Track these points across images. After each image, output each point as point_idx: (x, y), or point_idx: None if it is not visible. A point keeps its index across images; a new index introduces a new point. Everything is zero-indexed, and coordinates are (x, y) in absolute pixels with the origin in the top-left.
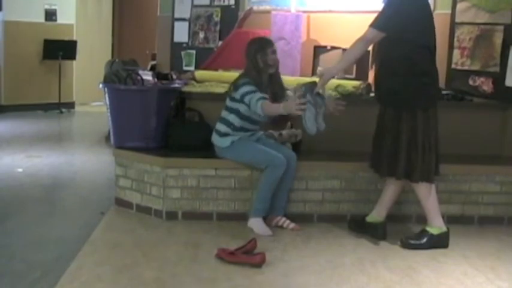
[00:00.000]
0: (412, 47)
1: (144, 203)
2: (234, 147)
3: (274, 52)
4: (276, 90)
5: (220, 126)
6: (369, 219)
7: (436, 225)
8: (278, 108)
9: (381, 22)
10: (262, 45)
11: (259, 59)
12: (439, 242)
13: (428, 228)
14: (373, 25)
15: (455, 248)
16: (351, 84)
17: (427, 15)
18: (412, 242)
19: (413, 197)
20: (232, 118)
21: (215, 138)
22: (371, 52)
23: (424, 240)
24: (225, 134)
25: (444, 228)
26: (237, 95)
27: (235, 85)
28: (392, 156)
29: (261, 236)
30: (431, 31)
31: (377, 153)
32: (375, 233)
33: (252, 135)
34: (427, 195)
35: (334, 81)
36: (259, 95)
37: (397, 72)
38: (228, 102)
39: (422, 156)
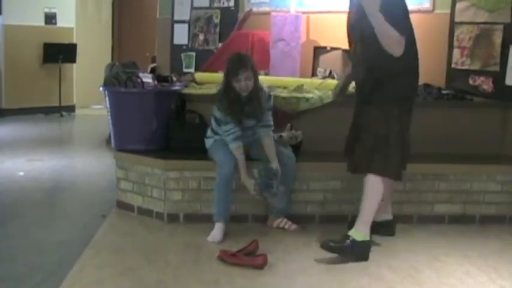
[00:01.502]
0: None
1: (145, 206)
2: (210, 148)
3: (247, 78)
4: (253, 110)
5: (208, 130)
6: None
7: (362, 231)
8: (240, 166)
9: (401, 28)
10: (236, 69)
11: (231, 81)
12: (360, 251)
13: (351, 233)
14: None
15: (457, 247)
16: (351, 85)
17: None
18: (333, 244)
19: (414, 197)
20: (212, 122)
21: (205, 141)
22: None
23: (346, 244)
24: (208, 137)
25: (368, 238)
26: (213, 111)
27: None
28: (369, 152)
29: (260, 238)
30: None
31: (355, 153)
32: (384, 230)
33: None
34: (374, 191)
35: (335, 82)
36: (231, 135)
37: (389, 69)
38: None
39: (388, 150)
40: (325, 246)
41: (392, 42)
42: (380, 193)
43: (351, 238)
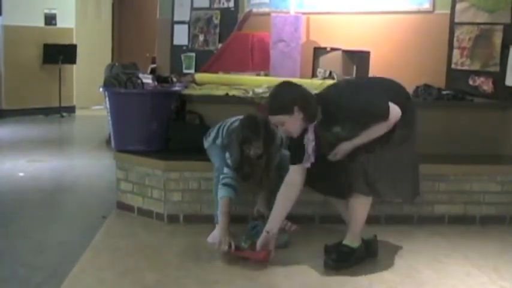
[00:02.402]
0: None
1: (145, 207)
2: (208, 149)
3: (257, 147)
4: (261, 170)
5: (208, 132)
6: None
7: (356, 240)
8: (223, 223)
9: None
10: (250, 138)
11: (244, 148)
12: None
13: (346, 242)
14: (387, 116)
15: (458, 248)
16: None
17: None
18: (333, 263)
19: None
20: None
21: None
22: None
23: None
24: (207, 138)
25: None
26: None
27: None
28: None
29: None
30: None
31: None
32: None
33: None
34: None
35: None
36: (227, 179)
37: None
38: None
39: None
40: (328, 266)
41: (384, 130)
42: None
43: (346, 248)
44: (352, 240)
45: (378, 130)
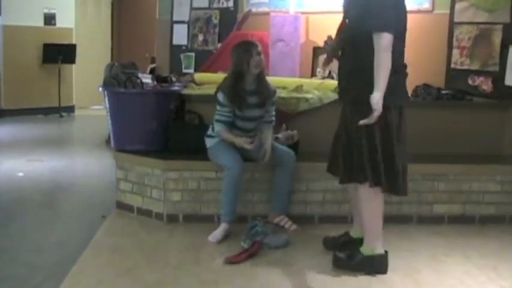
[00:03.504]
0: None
1: (145, 206)
2: (212, 148)
3: (259, 53)
4: (261, 90)
5: (210, 128)
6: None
7: (369, 246)
8: (231, 139)
9: (385, 22)
10: (248, 48)
11: (243, 62)
12: (372, 265)
13: (361, 248)
14: (381, 28)
15: (457, 247)
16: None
17: None
18: (341, 263)
19: (414, 198)
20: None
21: (205, 139)
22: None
23: (356, 260)
24: (209, 136)
25: (378, 251)
26: (217, 97)
27: (217, 87)
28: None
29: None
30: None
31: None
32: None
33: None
34: (370, 212)
35: (334, 83)
36: (221, 116)
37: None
38: None
39: (374, 158)
40: (335, 263)
41: (384, 58)
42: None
43: (360, 255)
44: (365, 247)
45: (378, 57)
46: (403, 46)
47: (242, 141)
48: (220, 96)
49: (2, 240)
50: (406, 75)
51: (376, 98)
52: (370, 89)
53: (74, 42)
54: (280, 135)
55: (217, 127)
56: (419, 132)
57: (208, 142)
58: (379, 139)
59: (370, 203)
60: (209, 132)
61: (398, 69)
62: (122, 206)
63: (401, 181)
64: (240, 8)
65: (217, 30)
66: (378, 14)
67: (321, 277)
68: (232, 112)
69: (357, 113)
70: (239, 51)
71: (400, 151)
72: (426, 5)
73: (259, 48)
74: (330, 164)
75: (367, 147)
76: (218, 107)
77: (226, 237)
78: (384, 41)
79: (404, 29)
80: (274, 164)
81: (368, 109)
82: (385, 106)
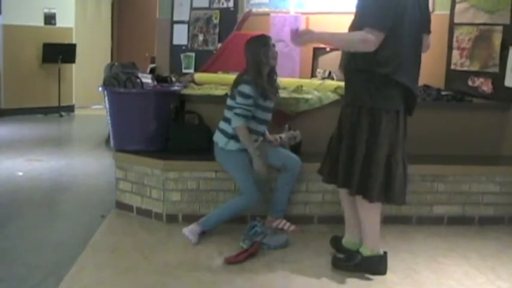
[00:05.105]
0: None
1: (144, 206)
2: (229, 153)
3: (274, 45)
4: (273, 82)
5: (227, 127)
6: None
7: (368, 247)
8: (247, 142)
9: (380, 20)
10: (265, 41)
11: (262, 54)
12: (370, 265)
13: (360, 249)
14: (374, 25)
15: (456, 248)
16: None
17: None
18: (340, 263)
19: (413, 198)
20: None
21: (218, 137)
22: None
23: (355, 261)
24: (232, 137)
25: (376, 252)
26: (235, 91)
27: (236, 82)
28: (349, 164)
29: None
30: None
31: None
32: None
33: (255, 140)
34: (367, 215)
35: (334, 83)
36: (242, 109)
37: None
38: (229, 101)
39: (364, 168)
40: (334, 264)
41: (357, 44)
42: (373, 212)
43: (359, 256)
44: (364, 247)
45: (352, 37)
46: (402, 46)
47: (256, 160)
48: (247, 88)
49: (1, 240)
50: (406, 76)
51: (310, 33)
52: (370, 90)
53: (73, 41)
54: (283, 136)
55: (238, 122)
56: (419, 133)
57: (228, 144)
58: (366, 143)
59: (367, 210)
60: (224, 127)
61: (390, 72)
62: (121, 206)
63: (397, 190)
64: (240, 8)
65: (217, 30)
66: (371, 11)
67: (320, 277)
68: (254, 105)
69: (357, 115)
70: (257, 44)
71: (395, 159)
72: None
73: (273, 40)
74: (323, 166)
75: (357, 155)
76: (241, 100)
77: (226, 236)
78: (367, 36)
79: (405, 30)
80: (279, 168)
81: (367, 111)
82: (375, 109)
